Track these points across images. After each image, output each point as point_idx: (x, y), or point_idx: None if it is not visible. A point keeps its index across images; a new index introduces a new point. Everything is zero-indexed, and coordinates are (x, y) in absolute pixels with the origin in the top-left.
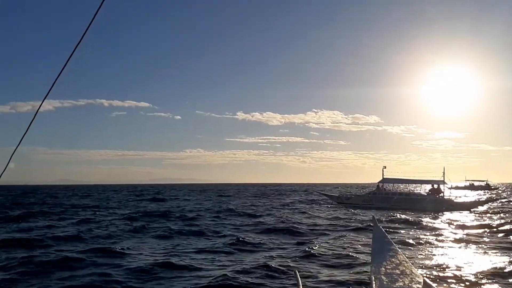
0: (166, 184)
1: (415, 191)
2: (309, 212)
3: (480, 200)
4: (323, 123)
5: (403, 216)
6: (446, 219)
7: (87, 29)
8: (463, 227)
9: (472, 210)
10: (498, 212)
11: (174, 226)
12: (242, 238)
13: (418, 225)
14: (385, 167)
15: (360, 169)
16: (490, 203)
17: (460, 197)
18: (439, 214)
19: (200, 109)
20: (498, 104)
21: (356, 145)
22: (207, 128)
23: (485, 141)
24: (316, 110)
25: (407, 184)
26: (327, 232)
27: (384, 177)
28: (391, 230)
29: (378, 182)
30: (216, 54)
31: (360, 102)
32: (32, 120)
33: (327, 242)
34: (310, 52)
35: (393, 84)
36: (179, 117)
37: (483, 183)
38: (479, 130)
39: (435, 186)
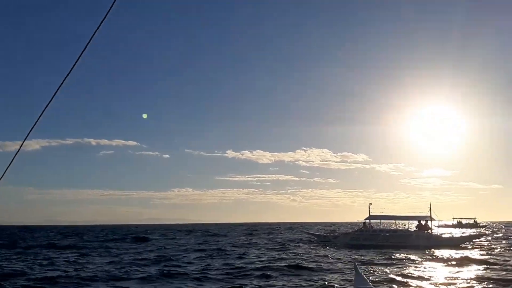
0: (155, 224)
1: (402, 228)
2: (292, 252)
3: (469, 235)
4: (313, 161)
5: (390, 254)
6: (435, 256)
7: (72, 68)
8: (452, 263)
9: (461, 246)
10: (488, 248)
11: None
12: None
13: (406, 262)
14: (371, 204)
15: (350, 207)
16: (478, 239)
17: (448, 233)
18: (427, 250)
19: (189, 147)
20: (486, 142)
21: (345, 183)
22: (196, 167)
23: (473, 179)
24: (305, 148)
25: (394, 221)
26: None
27: (371, 214)
28: (376, 268)
29: (365, 220)
30: (205, 93)
31: (348, 140)
32: (14, 157)
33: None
34: (299, 91)
35: (381, 122)
36: (167, 155)
37: (471, 221)
38: (467, 168)
39: (422, 222)
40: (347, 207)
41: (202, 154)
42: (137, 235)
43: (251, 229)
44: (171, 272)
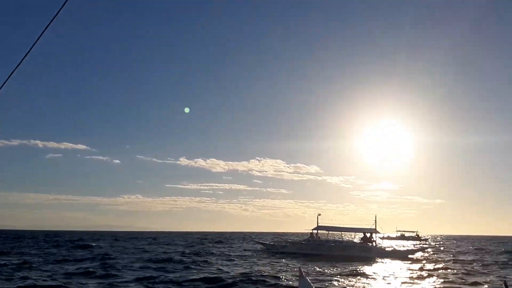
0: (103, 231)
1: (349, 239)
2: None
3: (411, 249)
4: (266, 171)
5: (333, 264)
6: (376, 267)
7: (17, 66)
8: (391, 274)
9: (403, 258)
10: (430, 261)
11: None
12: None
13: (347, 273)
14: (319, 215)
15: (301, 218)
16: (421, 252)
17: (391, 246)
18: (369, 261)
19: (141, 153)
20: (431, 158)
21: (297, 194)
22: (148, 174)
23: (418, 193)
24: (259, 158)
25: (341, 233)
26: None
27: (319, 225)
28: (318, 277)
29: (312, 230)
30: (159, 98)
31: (302, 152)
32: None
33: None
34: (255, 103)
35: (334, 136)
36: (118, 161)
37: (413, 234)
38: (413, 183)
39: (367, 234)
40: (298, 218)
41: (154, 161)
42: (81, 242)
43: (202, 238)
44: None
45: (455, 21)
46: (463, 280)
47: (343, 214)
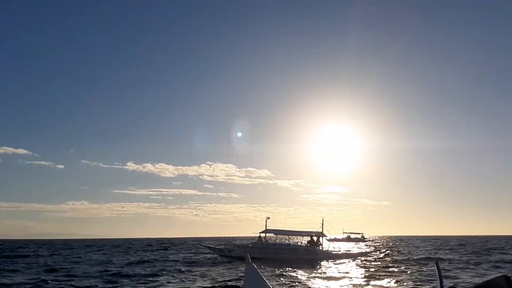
0: (44, 239)
1: (296, 243)
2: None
3: (358, 252)
4: (217, 176)
5: (278, 267)
6: (319, 269)
7: None
8: (335, 278)
9: (348, 261)
10: (375, 262)
11: None
12: None
13: (289, 276)
14: (268, 218)
15: (252, 222)
16: (366, 255)
17: (337, 249)
18: (315, 265)
19: (86, 158)
20: (378, 162)
21: (249, 198)
22: (94, 179)
23: (366, 196)
24: (210, 163)
25: (287, 236)
26: None
27: (267, 228)
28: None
29: (260, 233)
30: (104, 101)
31: (253, 156)
32: None
33: None
34: (205, 106)
35: (284, 140)
36: (62, 166)
37: (359, 236)
38: (361, 185)
39: (314, 238)
40: (249, 222)
41: (100, 166)
42: (19, 251)
43: (149, 244)
44: None
45: (400, 28)
46: (404, 284)
47: (294, 217)
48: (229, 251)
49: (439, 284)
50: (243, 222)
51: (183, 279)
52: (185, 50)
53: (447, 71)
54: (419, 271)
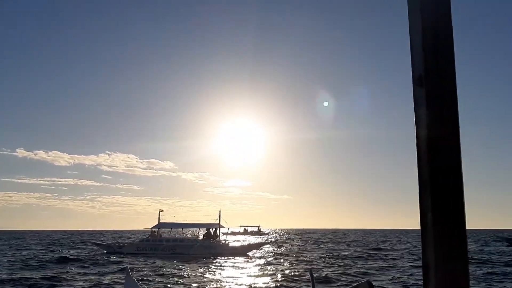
0: None
1: (190, 236)
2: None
3: (255, 244)
4: (117, 166)
5: (171, 263)
6: (217, 264)
7: None
8: (233, 270)
9: (246, 254)
10: (271, 255)
11: None
12: None
13: (183, 272)
14: (162, 211)
15: (152, 215)
16: (263, 246)
17: (235, 241)
18: (211, 259)
19: None
20: (281, 156)
21: (150, 191)
22: None
23: (268, 190)
24: (109, 152)
25: (182, 229)
26: None
27: (161, 221)
28: (149, 280)
29: (153, 228)
30: None
31: (156, 147)
32: None
33: None
34: (106, 92)
35: (189, 131)
36: None
37: (255, 229)
38: (263, 179)
39: (211, 230)
40: (150, 215)
41: None
42: None
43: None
44: None
45: (295, 26)
46: (297, 272)
47: (197, 211)
48: (119, 247)
49: None
50: (143, 215)
51: None
52: (95, 39)
53: (348, 61)
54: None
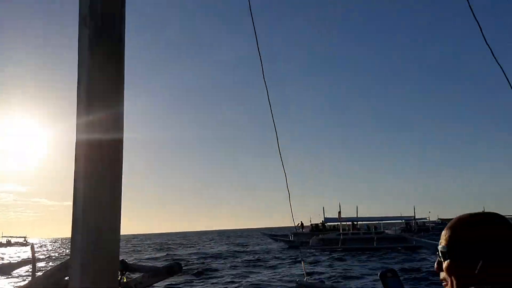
0: None
1: None
2: None
3: (23, 260)
4: None
5: None
6: None
7: None
8: None
9: (12, 273)
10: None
11: None
12: None
13: None
14: None
15: None
16: (35, 264)
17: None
18: None
19: None
20: (64, 159)
21: None
22: None
23: (46, 196)
24: None
25: None
26: None
27: None
28: None
29: None
30: None
31: None
32: None
33: None
34: None
35: None
36: None
37: (21, 240)
38: (41, 184)
39: None
40: None
41: None
42: None
43: None
44: None
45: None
46: None
47: None
48: None
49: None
50: None
51: None
52: None
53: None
54: None
